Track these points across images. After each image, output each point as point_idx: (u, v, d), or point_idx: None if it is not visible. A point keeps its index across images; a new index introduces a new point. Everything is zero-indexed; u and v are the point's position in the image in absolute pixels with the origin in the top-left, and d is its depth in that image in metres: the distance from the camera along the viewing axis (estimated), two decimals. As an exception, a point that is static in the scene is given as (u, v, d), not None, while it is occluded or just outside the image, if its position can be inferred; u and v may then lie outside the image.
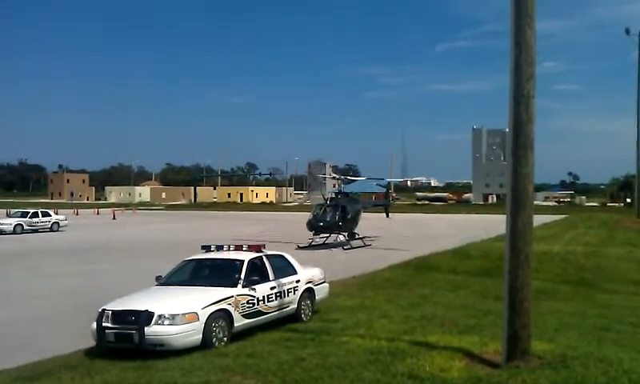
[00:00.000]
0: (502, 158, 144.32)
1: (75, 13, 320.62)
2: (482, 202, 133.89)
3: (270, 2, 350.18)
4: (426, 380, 8.13)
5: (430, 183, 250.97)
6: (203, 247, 13.65)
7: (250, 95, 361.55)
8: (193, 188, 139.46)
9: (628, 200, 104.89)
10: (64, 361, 10.26)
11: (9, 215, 48.31)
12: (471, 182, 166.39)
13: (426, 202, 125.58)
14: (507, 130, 9.25)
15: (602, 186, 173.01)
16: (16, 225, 43.78)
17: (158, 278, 12.69)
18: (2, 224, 43.75)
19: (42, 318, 14.59)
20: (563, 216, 67.87)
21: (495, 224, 38.24)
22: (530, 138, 8.96)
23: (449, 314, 13.82)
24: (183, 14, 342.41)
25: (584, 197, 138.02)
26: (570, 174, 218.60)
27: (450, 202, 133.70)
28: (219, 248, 13.38)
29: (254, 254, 12.82)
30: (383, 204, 46.35)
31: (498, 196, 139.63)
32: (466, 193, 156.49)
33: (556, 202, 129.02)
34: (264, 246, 13.61)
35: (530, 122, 8.96)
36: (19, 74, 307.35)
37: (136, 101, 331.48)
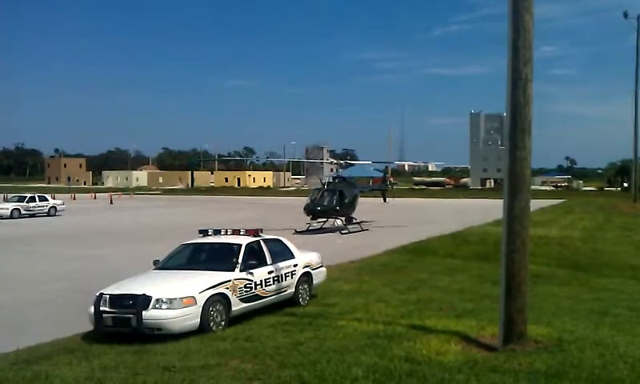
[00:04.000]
0: (500, 143, 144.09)
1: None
2: (479, 187, 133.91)
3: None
4: (422, 363, 8.16)
5: (427, 167, 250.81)
6: (201, 231, 13.64)
7: (247, 80, 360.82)
8: (190, 172, 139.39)
9: (625, 184, 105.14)
10: (62, 344, 10.27)
11: (6, 200, 48.29)
12: (469, 166, 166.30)
13: (424, 187, 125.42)
14: (505, 114, 9.25)
15: (600, 171, 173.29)
16: (13, 209, 43.63)
17: (155, 263, 12.68)
18: (-1, 208, 43.67)
19: (40, 301, 14.60)
20: (560, 200, 67.94)
21: (493, 209, 38.23)
22: (527, 121, 8.97)
23: (446, 298, 13.86)
24: (180, 1, 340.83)
25: (581, 181, 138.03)
26: (567, 158, 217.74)
27: (447, 186, 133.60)
28: (217, 232, 13.37)
29: (251, 238, 12.82)
30: (380, 188, 46.16)
31: (495, 181, 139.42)
32: (464, 178, 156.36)
33: (553, 186, 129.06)
34: (261, 230, 13.61)
35: (528, 106, 8.97)
36: (16, 58, 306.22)
37: (133, 85, 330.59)
